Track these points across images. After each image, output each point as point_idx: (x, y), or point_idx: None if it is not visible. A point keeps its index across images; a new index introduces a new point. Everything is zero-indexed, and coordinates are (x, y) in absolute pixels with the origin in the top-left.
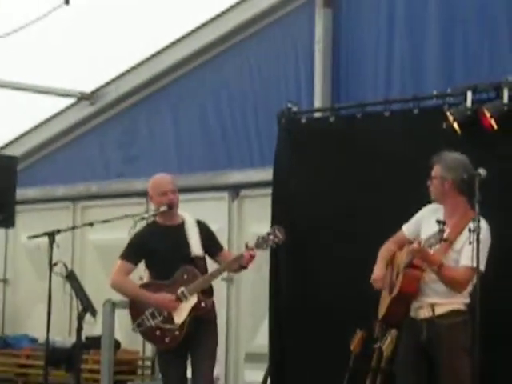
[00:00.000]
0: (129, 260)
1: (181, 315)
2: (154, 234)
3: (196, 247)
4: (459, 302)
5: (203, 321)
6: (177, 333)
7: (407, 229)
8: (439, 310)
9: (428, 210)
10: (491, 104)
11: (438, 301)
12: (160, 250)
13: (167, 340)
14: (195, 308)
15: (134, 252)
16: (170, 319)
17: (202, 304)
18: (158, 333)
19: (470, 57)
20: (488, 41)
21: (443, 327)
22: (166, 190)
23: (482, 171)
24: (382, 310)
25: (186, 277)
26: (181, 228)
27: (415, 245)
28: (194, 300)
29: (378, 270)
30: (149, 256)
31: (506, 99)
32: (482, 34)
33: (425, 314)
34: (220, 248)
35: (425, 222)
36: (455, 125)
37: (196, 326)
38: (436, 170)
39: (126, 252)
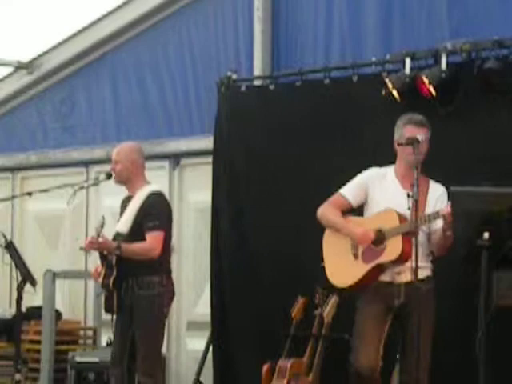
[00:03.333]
0: None
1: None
2: (122, 205)
3: (122, 223)
4: (431, 267)
5: (139, 299)
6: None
7: (351, 194)
8: (420, 275)
9: (374, 174)
10: (429, 71)
11: (420, 264)
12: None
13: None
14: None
15: None
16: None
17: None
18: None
19: (409, 23)
20: (426, 7)
21: (422, 291)
22: (112, 159)
23: (419, 137)
24: (348, 277)
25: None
26: (128, 201)
27: (446, 210)
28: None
29: (358, 228)
30: None
31: (444, 66)
32: (420, 1)
33: (407, 277)
34: (146, 228)
35: (375, 188)
36: (394, 92)
37: (133, 301)
38: (427, 133)
39: None
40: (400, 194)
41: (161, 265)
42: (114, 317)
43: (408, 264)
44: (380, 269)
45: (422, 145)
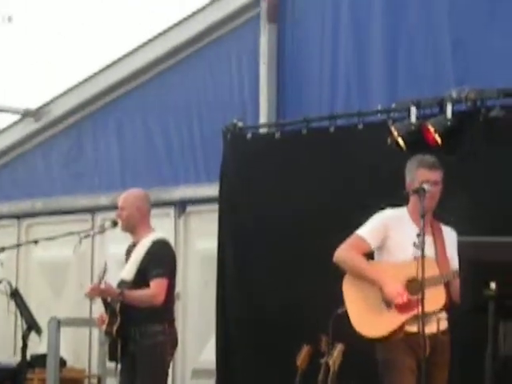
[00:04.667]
0: None
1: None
2: (127, 253)
3: (126, 271)
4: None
5: (142, 348)
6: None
7: (371, 237)
8: (442, 326)
9: (392, 216)
10: (435, 119)
11: (442, 315)
12: None
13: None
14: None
15: None
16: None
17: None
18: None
19: (414, 72)
20: (431, 56)
21: (446, 343)
22: (118, 205)
23: (426, 186)
24: (380, 327)
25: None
26: (133, 248)
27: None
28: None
29: (392, 285)
30: None
31: (449, 114)
32: (425, 50)
33: (432, 329)
34: (150, 276)
35: (395, 231)
36: (400, 140)
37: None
38: (439, 176)
39: None
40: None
41: (164, 313)
42: (119, 365)
43: (435, 315)
44: (413, 319)
45: (433, 190)
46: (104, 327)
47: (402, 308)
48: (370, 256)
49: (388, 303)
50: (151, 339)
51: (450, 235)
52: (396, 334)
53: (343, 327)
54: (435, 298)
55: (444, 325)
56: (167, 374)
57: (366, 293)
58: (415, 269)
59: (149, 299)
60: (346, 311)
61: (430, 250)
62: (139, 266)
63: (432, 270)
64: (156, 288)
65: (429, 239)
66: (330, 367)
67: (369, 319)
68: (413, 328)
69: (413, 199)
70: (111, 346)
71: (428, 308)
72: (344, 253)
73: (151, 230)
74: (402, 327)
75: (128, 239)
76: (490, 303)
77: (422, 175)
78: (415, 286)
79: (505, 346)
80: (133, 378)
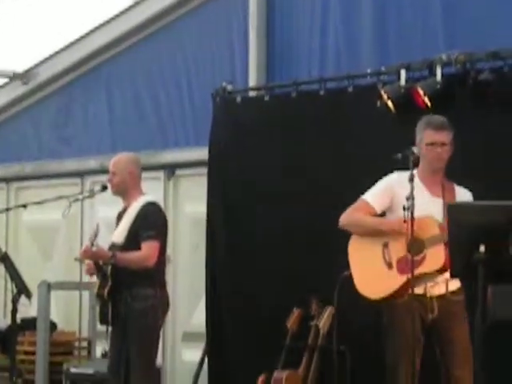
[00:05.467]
0: None
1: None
2: (118, 218)
3: (116, 234)
4: None
5: (133, 312)
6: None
7: (375, 201)
8: (452, 287)
9: (397, 180)
10: (424, 82)
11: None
12: None
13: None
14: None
15: None
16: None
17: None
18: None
19: (404, 35)
20: (421, 19)
21: (457, 304)
22: (109, 169)
23: (415, 150)
24: (381, 288)
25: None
26: (123, 213)
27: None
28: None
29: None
30: None
31: (439, 77)
32: (415, 12)
33: (440, 290)
34: (142, 239)
35: (401, 194)
36: (389, 103)
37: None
38: (447, 136)
39: None
40: (431, 202)
41: (155, 276)
42: (109, 328)
43: (442, 276)
44: (417, 280)
45: (439, 151)
46: (95, 290)
47: (403, 268)
48: None
49: (390, 264)
50: (143, 303)
51: (464, 196)
52: (398, 295)
53: (346, 290)
54: (434, 258)
55: (455, 285)
56: (159, 338)
57: (369, 255)
58: (417, 229)
59: (141, 261)
60: (350, 274)
61: (437, 210)
62: (130, 228)
63: (432, 230)
64: (148, 250)
65: (437, 200)
66: (320, 330)
67: (371, 280)
68: (418, 290)
69: (422, 156)
70: (102, 309)
71: (427, 268)
72: (350, 216)
73: (142, 194)
74: (402, 288)
75: (117, 201)
76: (480, 266)
77: (428, 136)
78: (416, 246)
79: (493, 309)
80: (123, 341)
